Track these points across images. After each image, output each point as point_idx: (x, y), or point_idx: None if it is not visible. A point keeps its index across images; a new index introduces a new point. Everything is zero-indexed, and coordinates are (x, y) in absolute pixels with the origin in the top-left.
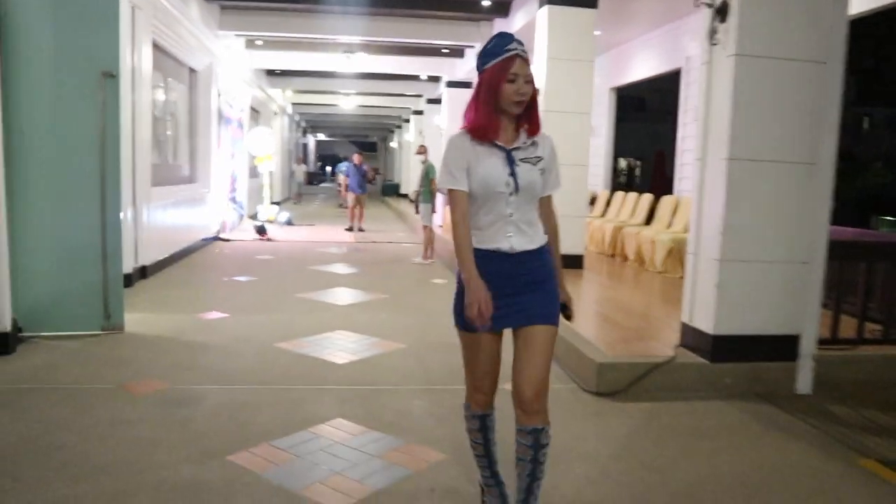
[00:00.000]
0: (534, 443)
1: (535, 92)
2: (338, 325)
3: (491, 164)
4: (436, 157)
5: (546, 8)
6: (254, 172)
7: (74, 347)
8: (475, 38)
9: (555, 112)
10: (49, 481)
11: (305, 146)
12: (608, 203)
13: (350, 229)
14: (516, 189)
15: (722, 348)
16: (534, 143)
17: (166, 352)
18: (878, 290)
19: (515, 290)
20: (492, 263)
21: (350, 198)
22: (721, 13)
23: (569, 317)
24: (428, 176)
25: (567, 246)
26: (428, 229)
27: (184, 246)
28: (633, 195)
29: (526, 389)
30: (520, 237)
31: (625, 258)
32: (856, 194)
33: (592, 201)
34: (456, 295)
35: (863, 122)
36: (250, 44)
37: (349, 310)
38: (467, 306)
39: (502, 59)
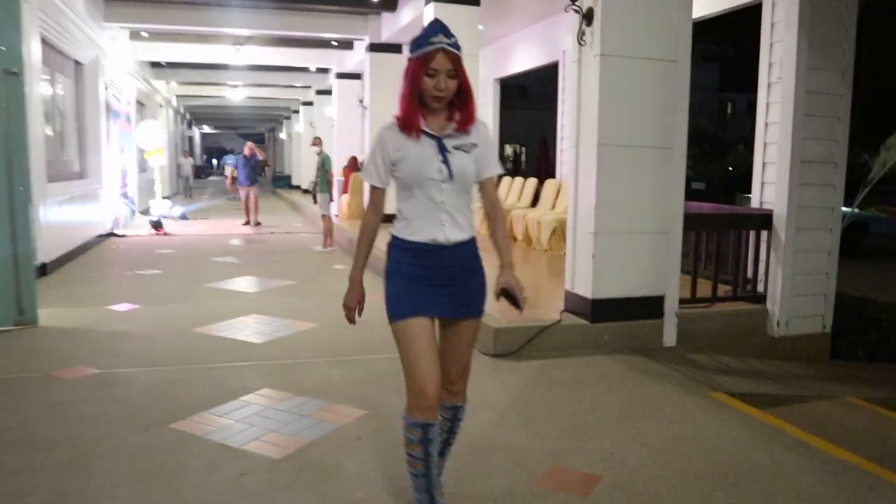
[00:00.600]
0: (452, 416)
1: (465, 83)
2: (250, 310)
3: (422, 152)
4: (328, 149)
5: (432, 5)
6: (142, 167)
7: None
8: (363, 32)
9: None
10: (1, 458)
11: (191, 139)
12: (520, 191)
13: (247, 223)
14: (450, 176)
15: (600, 310)
16: (466, 131)
17: (86, 341)
18: (727, 255)
19: (448, 280)
20: (425, 256)
21: (241, 192)
22: (587, 18)
23: (519, 306)
24: (324, 167)
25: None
26: (327, 218)
27: (79, 243)
28: (519, 180)
29: (451, 372)
30: (453, 227)
31: (514, 239)
32: (723, 174)
33: None
34: (391, 290)
35: (727, 109)
36: (135, 35)
37: (258, 296)
38: (344, 305)
39: (424, 53)
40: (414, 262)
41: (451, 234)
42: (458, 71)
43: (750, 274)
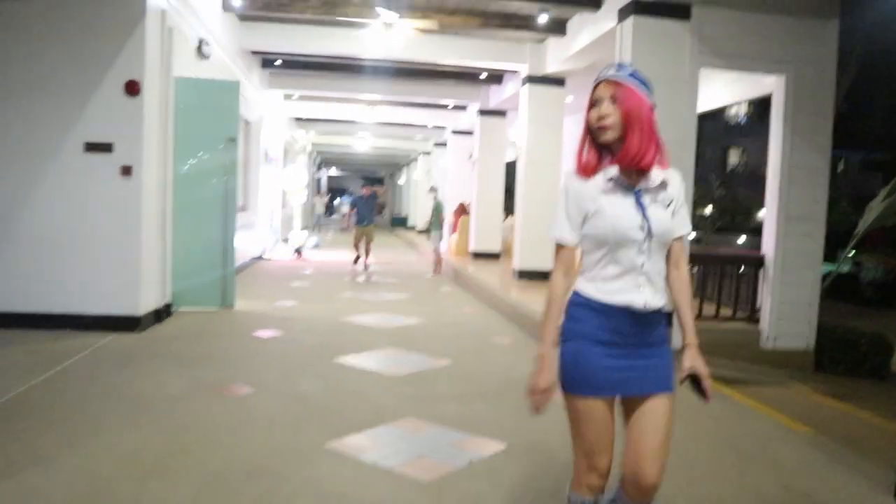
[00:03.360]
0: None
1: (632, 110)
2: (376, 311)
3: (620, 206)
4: (441, 194)
5: (527, 86)
6: (282, 203)
7: (209, 316)
8: (475, 98)
9: (533, 163)
10: (238, 366)
11: (319, 180)
12: None
13: (357, 260)
14: (650, 234)
15: None
16: (663, 183)
17: (268, 319)
18: (723, 285)
19: (636, 352)
20: (616, 320)
21: (356, 231)
22: None
23: (705, 395)
24: (437, 210)
25: (542, 263)
26: (437, 251)
27: (240, 262)
28: None
29: (646, 467)
30: (651, 292)
31: None
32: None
33: None
34: (566, 354)
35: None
36: (287, 97)
37: (382, 303)
38: (529, 388)
39: (592, 89)
40: (603, 324)
41: (651, 299)
42: (620, 98)
43: (749, 301)
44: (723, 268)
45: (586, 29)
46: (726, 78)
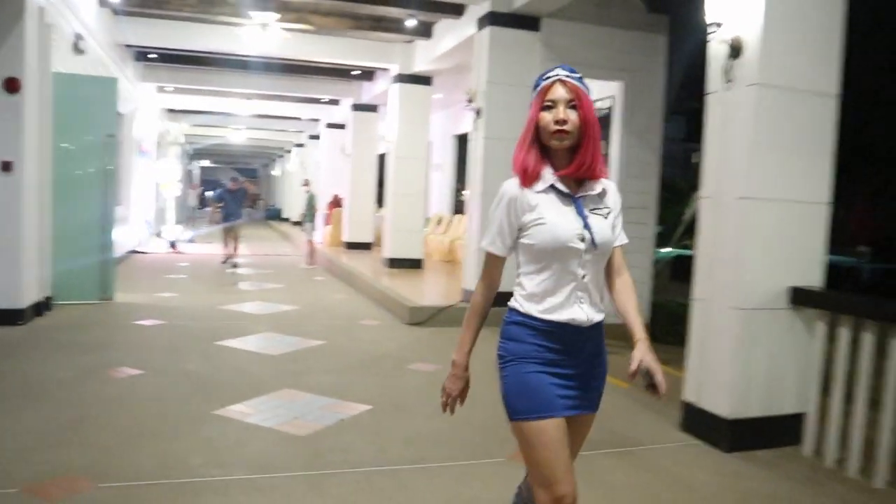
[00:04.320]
0: None
1: (590, 120)
2: (253, 299)
3: (561, 216)
4: (315, 187)
5: (397, 84)
6: (155, 196)
7: (90, 308)
8: (348, 94)
9: (402, 157)
10: (124, 351)
11: (191, 172)
12: (449, 223)
13: (225, 261)
14: (592, 245)
15: None
16: (603, 191)
17: (150, 309)
18: None
19: (580, 368)
20: (558, 337)
21: (223, 226)
22: (478, 113)
23: (657, 391)
24: (311, 202)
25: (409, 252)
26: (311, 242)
27: (117, 255)
28: (464, 217)
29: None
30: (591, 305)
31: (457, 263)
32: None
33: (439, 222)
34: (510, 377)
35: (691, 157)
36: (160, 89)
37: (258, 292)
38: (443, 391)
39: (540, 88)
40: (546, 344)
41: (591, 313)
42: (580, 104)
43: None
44: None
45: (450, 34)
46: None
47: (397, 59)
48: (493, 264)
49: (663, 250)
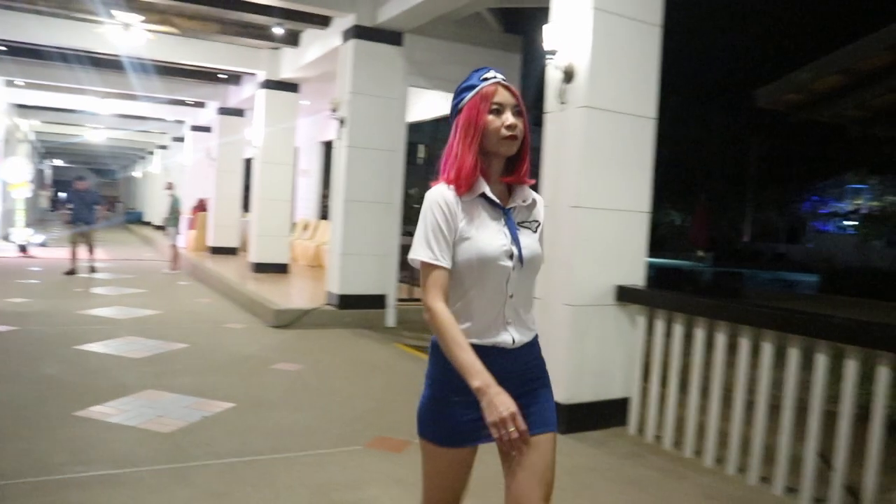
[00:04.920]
0: None
1: (526, 127)
2: (113, 304)
3: (488, 229)
4: (179, 191)
5: (264, 90)
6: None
7: None
8: (215, 96)
9: (268, 163)
10: None
11: (42, 172)
12: (315, 228)
13: (70, 273)
14: (521, 262)
15: (345, 301)
16: (531, 204)
17: (2, 315)
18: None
19: (512, 393)
20: (485, 362)
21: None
22: (342, 122)
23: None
24: (174, 206)
25: (276, 256)
26: (174, 247)
27: None
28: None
29: (532, 499)
30: (518, 326)
31: (323, 268)
32: None
33: (305, 227)
34: (426, 399)
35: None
36: (10, 83)
37: (119, 297)
38: (496, 423)
39: (481, 90)
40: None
41: (518, 334)
42: (521, 109)
43: None
44: None
45: (317, 43)
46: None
47: (264, 65)
48: (439, 276)
49: None
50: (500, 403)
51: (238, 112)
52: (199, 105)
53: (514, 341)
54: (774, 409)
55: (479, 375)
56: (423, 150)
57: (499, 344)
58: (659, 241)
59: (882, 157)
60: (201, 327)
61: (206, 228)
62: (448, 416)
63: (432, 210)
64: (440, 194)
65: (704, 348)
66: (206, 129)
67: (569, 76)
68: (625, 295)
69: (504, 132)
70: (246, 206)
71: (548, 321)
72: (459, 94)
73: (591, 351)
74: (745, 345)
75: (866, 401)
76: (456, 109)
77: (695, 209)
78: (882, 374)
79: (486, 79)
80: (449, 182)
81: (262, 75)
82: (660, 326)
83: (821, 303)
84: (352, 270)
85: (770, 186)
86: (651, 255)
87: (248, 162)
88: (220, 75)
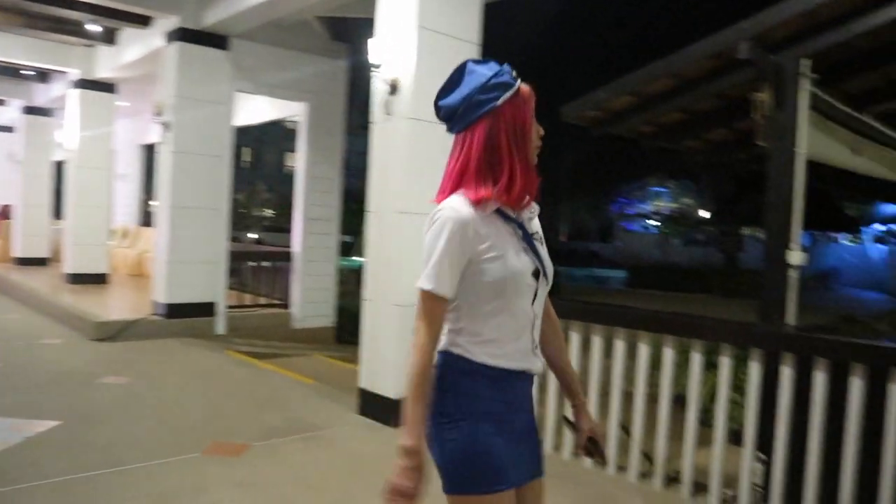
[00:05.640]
0: None
1: None
2: None
3: (512, 246)
4: None
5: (77, 90)
6: None
7: None
8: (18, 94)
9: (83, 167)
10: None
11: None
12: (136, 235)
13: None
14: (544, 277)
15: (172, 310)
16: (532, 216)
17: None
18: (261, 277)
19: (521, 424)
20: (510, 389)
21: None
22: (166, 126)
23: (604, 458)
24: None
25: (93, 266)
26: None
27: None
28: (153, 230)
29: None
30: (537, 350)
31: (146, 276)
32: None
33: (125, 234)
34: (458, 443)
35: None
36: None
37: None
38: (393, 490)
39: (521, 90)
40: (496, 396)
41: (540, 360)
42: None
43: (283, 290)
44: (260, 262)
45: (137, 43)
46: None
47: (77, 63)
48: (438, 309)
49: (354, 259)
50: (403, 473)
51: (46, 112)
52: (1, 103)
53: (541, 366)
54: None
55: (413, 437)
56: (250, 154)
57: (530, 370)
58: None
59: (676, 163)
60: (14, 345)
61: (10, 238)
62: (494, 451)
63: (449, 232)
64: (459, 214)
65: None
66: (9, 130)
67: (394, 89)
68: None
69: (538, 141)
70: (58, 213)
71: (379, 321)
72: (488, 90)
73: None
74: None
75: (657, 380)
76: (484, 110)
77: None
78: (668, 356)
79: (514, 76)
80: (487, 197)
81: (74, 74)
82: None
83: (626, 296)
84: (179, 278)
85: (584, 190)
86: None
87: (59, 165)
88: (23, 71)
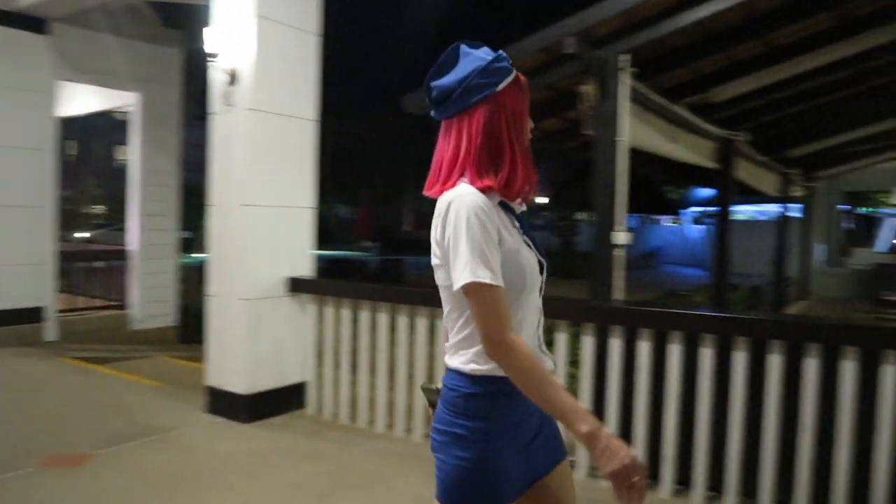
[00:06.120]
0: None
1: None
2: None
3: (518, 238)
4: None
5: None
6: None
7: None
8: None
9: None
10: None
11: None
12: None
13: None
14: (546, 271)
15: None
16: (522, 206)
17: None
18: (96, 278)
19: (537, 421)
20: (526, 400)
21: None
22: None
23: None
24: None
25: None
26: None
27: None
28: None
29: None
30: (544, 347)
31: None
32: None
33: None
34: (469, 464)
35: None
36: None
37: None
38: (618, 472)
39: (519, 79)
40: (516, 409)
41: (548, 357)
42: None
43: (121, 290)
44: (92, 263)
45: None
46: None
47: None
48: (500, 298)
49: (195, 255)
50: (618, 449)
51: None
52: None
53: (553, 365)
54: (431, 376)
55: (587, 419)
56: (76, 148)
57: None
58: (329, 234)
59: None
60: None
61: None
62: (500, 474)
63: (477, 218)
64: (477, 199)
65: (370, 329)
66: None
67: (233, 79)
68: (295, 286)
69: (529, 134)
70: None
71: (225, 316)
72: (488, 74)
73: (267, 341)
74: (403, 323)
75: None
76: (482, 95)
77: (363, 204)
78: None
79: (511, 65)
80: (490, 187)
81: None
82: (329, 313)
83: None
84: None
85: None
86: (322, 248)
87: None
88: None
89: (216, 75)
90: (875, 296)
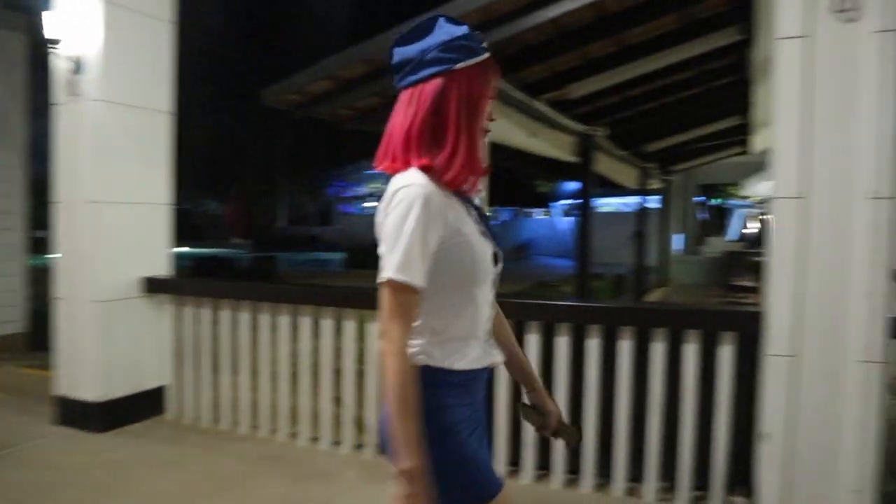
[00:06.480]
0: None
1: None
2: None
3: (472, 227)
4: None
5: None
6: None
7: None
8: None
9: None
10: None
11: None
12: None
13: None
14: (499, 262)
15: None
16: (479, 197)
17: None
18: None
19: (481, 417)
20: (475, 392)
21: None
22: None
23: (580, 437)
24: None
25: None
26: None
27: None
28: None
29: None
30: (492, 340)
31: None
32: None
33: None
34: (445, 465)
35: None
36: None
37: None
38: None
39: (486, 61)
40: (467, 401)
41: (497, 350)
42: None
43: None
44: None
45: None
46: None
47: None
48: (412, 302)
49: (50, 256)
50: (422, 480)
51: None
52: None
53: (501, 358)
54: (294, 374)
55: (416, 458)
56: None
57: (493, 363)
58: (198, 232)
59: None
60: None
61: None
62: (477, 460)
63: (418, 212)
64: (426, 190)
65: (231, 329)
66: None
67: (79, 67)
68: (151, 286)
69: (487, 124)
70: None
71: (74, 321)
72: (450, 50)
73: (121, 345)
74: (264, 321)
75: (361, 354)
76: (438, 69)
77: (232, 200)
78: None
79: (483, 48)
80: (427, 166)
81: None
82: (188, 313)
83: (344, 277)
84: None
85: (301, 174)
86: (190, 246)
87: None
88: None
89: (59, 63)
90: (727, 281)
